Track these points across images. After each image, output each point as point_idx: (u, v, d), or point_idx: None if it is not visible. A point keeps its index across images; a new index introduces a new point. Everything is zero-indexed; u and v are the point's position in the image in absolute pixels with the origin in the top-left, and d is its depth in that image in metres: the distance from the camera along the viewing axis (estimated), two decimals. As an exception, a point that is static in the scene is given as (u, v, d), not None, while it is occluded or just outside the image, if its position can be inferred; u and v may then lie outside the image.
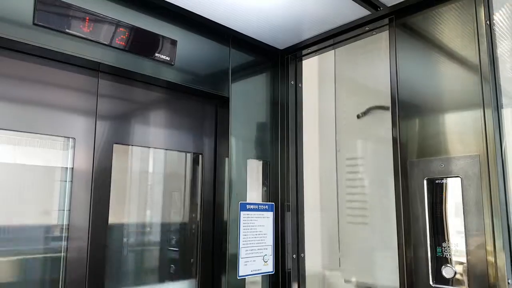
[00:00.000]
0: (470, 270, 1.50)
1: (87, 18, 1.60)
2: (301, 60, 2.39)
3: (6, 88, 1.53)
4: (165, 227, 2.22)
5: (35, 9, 1.48)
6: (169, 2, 1.79)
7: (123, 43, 1.71)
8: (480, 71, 1.57)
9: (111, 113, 1.81)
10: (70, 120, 1.67)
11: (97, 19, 1.63)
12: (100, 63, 1.67)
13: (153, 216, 2.26)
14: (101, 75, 1.77)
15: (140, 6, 1.78)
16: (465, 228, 1.53)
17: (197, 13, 1.88)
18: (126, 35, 1.72)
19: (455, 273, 1.53)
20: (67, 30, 1.55)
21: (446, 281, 1.55)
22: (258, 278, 2.18)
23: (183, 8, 1.84)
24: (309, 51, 2.27)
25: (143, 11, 1.79)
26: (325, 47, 2.21)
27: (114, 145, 1.79)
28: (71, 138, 1.67)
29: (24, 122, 1.56)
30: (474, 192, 1.52)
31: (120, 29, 1.70)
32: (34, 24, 1.48)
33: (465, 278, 1.50)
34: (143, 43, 1.77)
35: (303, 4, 1.80)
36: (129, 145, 1.88)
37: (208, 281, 2.05)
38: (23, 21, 1.46)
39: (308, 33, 2.10)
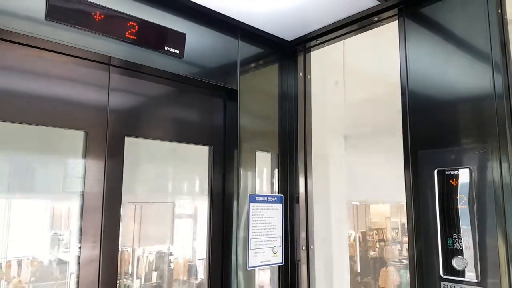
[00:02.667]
0: (481, 261, 1.49)
1: (98, 12, 1.62)
2: (310, 51, 2.38)
3: (18, 82, 1.57)
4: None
5: (47, 5, 1.50)
6: (177, -4, 1.81)
7: (133, 37, 1.72)
8: (492, 60, 1.55)
9: (122, 106, 1.83)
10: (82, 114, 1.71)
11: (107, 13, 1.65)
12: (111, 56, 1.69)
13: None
14: (112, 69, 1.80)
15: (149, 0, 1.79)
16: (476, 219, 1.52)
17: (206, 6, 1.89)
18: (136, 29, 1.73)
19: (466, 264, 1.52)
20: (78, 25, 1.57)
21: (457, 273, 1.54)
22: (268, 269, 2.20)
23: (191, 1, 1.85)
24: (318, 42, 2.26)
25: (152, 4, 1.81)
26: (334, 38, 2.20)
27: (126, 138, 1.82)
28: (84, 131, 1.70)
29: (37, 115, 1.60)
30: (485, 183, 1.51)
31: (130, 23, 1.72)
32: (46, 19, 1.50)
33: (476, 269, 1.50)
34: (152, 37, 1.79)
35: (311, -5, 1.79)
36: (139, 137, 1.91)
37: (218, 273, 2.08)
38: (35, 16, 1.49)
39: (316, 24, 2.09)
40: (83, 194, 1.67)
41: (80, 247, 1.64)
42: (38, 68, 1.61)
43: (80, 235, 1.64)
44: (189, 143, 2.10)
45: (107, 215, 1.71)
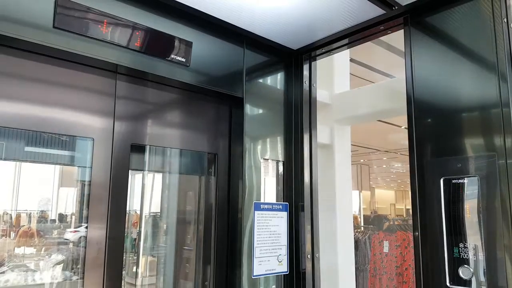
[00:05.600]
0: (488, 271, 1.48)
1: (105, 21, 1.63)
2: (315, 59, 2.38)
3: (27, 90, 1.57)
4: (181, 226, 2.25)
5: (55, 13, 1.51)
6: (184, 4, 1.81)
7: (139, 45, 1.73)
8: (498, 69, 1.55)
9: (128, 114, 1.84)
10: (89, 121, 1.71)
11: (114, 22, 1.66)
12: (117, 64, 1.70)
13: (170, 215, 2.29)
14: (119, 77, 1.81)
15: (156, 8, 1.81)
16: (483, 229, 1.51)
17: (212, 14, 1.90)
18: (143, 37, 1.74)
19: (473, 274, 1.51)
20: (85, 33, 1.58)
21: (463, 282, 1.53)
22: (273, 278, 2.18)
23: (198, 10, 1.86)
24: (323, 50, 2.27)
25: (159, 13, 1.82)
26: (339, 47, 2.21)
27: (131, 145, 1.82)
28: (90, 138, 1.71)
29: (44, 122, 1.60)
30: (492, 191, 1.50)
31: (137, 31, 1.73)
32: (54, 27, 1.51)
33: (483, 279, 1.49)
34: (159, 45, 1.79)
35: (316, 4, 1.80)
36: (145, 144, 1.91)
37: (223, 280, 2.07)
38: (43, 24, 1.50)
39: (322, 33, 2.10)
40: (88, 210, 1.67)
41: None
42: (45, 76, 1.62)
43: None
44: (195, 150, 2.10)
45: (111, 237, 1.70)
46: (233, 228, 2.09)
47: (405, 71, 1.83)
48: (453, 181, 1.61)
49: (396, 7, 1.82)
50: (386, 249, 4.46)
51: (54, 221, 1.90)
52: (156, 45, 1.78)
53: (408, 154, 1.78)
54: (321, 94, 2.64)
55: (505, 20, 1.57)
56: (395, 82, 2.80)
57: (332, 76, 3.15)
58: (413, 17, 1.84)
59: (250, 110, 2.14)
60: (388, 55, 4.39)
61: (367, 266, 4.80)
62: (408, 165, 1.77)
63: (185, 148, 2.07)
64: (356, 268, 4.23)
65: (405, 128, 1.81)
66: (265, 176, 2.17)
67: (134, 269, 2.16)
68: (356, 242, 4.81)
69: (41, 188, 1.91)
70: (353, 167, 3.30)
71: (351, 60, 3.36)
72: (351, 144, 3.23)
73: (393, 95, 2.65)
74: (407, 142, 1.79)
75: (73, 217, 1.84)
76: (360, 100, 2.98)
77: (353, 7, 1.82)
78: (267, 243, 2.09)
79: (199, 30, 1.96)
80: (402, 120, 1.85)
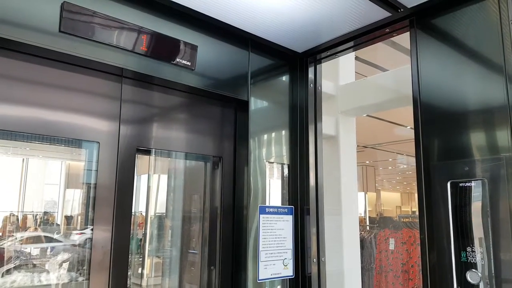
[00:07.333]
0: (496, 275, 1.46)
1: (111, 25, 1.64)
2: (321, 62, 2.38)
3: (33, 93, 1.58)
4: (186, 230, 2.25)
5: (61, 17, 1.52)
6: (189, 8, 1.82)
7: (145, 49, 1.74)
8: (505, 71, 1.53)
9: (134, 117, 1.84)
10: (95, 125, 1.72)
11: (120, 26, 1.67)
12: (123, 68, 1.70)
13: (175, 219, 2.29)
14: (124, 81, 1.82)
15: (162, 12, 1.81)
16: (491, 232, 1.49)
17: (217, 18, 1.90)
18: (148, 41, 1.75)
19: (481, 278, 1.49)
20: (91, 37, 1.59)
21: (471, 287, 1.51)
22: (278, 282, 2.17)
23: (203, 14, 1.86)
24: (329, 53, 2.26)
25: (165, 17, 1.83)
26: (345, 49, 2.20)
27: (137, 149, 1.83)
28: (96, 142, 1.71)
29: (50, 126, 1.61)
30: (500, 195, 1.49)
31: (142, 35, 1.73)
32: (60, 31, 1.53)
33: (491, 284, 1.47)
34: (164, 49, 1.80)
35: (322, 7, 1.80)
36: (151, 148, 1.92)
37: (228, 285, 2.06)
38: (49, 28, 1.51)
39: (327, 36, 2.09)
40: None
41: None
42: (51, 79, 1.63)
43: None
44: (200, 153, 2.10)
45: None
46: (238, 231, 2.08)
47: (411, 73, 1.82)
48: (460, 184, 1.59)
49: (402, 10, 1.81)
50: (392, 247, 4.46)
51: (60, 223, 1.91)
52: (161, 48, 1.79)
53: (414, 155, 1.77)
54: (326, 85, 2.62)
55: (512, 21, 1.56)
56: (400, 72, 2.78)
57: (337, 67, 3.15)
58: (419, 20, 1.83)
59: (255, 113, 2.14)
60: (393, 53, 4.38)
61: (373, 265, 4.79)
62: (414, 166, 1.76)
63: (191, 151, 2.07)
64: (362, 268, 4.22)
65: (411, 128, 1.81)
66: (270, 179, 2.17)
67: (140, 270, 2.17)
68: (362, 241, 4.80)
69: (48, 190, 1.92)
70: (358, 168, 3.29)
71: (356, 58, 3.35)
72: (357, 145, 3.22)
73: (398, 85, 2.63)
74: (412, 138, 1.78)
75: (79, 218, 1.85)
76: (365, 90, 2.97)
77: (358, 10, 1.81)
78: (272, 246, 2.08)
79: (204, 34, 1.96)
80: (408, 119, 1.83)
